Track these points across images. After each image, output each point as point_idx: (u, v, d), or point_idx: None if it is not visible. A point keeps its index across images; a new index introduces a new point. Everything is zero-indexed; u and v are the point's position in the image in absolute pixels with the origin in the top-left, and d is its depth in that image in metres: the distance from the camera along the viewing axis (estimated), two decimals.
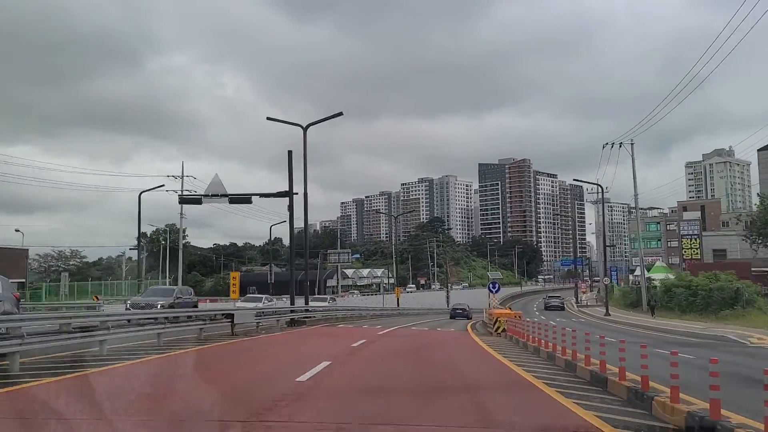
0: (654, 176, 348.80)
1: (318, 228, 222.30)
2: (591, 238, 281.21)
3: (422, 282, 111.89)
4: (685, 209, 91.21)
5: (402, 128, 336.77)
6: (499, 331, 23.12)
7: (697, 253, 69.20)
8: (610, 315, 44.52)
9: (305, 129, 29.72)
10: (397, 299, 62.94)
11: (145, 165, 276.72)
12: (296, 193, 28.60)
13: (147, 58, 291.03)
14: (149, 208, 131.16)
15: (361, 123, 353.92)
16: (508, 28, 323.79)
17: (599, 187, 57.36)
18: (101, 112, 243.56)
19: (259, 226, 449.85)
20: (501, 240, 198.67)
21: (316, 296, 50.24)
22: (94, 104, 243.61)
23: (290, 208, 28.54)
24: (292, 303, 29.61)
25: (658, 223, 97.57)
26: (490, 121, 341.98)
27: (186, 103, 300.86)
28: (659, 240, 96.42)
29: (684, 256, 64.82)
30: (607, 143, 48.14)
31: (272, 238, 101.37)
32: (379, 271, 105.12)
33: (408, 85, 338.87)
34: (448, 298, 73.47)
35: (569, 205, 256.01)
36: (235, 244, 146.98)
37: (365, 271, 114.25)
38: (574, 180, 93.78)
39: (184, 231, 56.02)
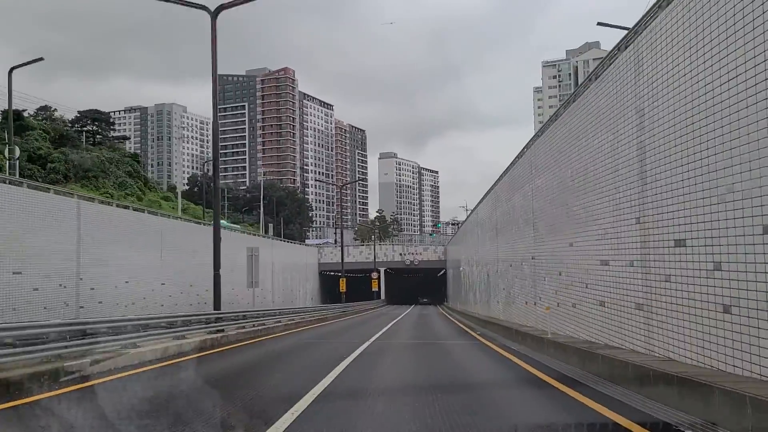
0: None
1: None
2: (373, 199, 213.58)
3: None
4: None
5: (140, 91, 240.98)
6: None
7: None
8: None
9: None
10: None
11: None
12: None
13: None
14: None
15: (86, 80, 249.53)
16: None
17: None
18: None
19: None
20: (248, 184, 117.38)
21: None
22: None
23: None
24: None
25: None
26: None
27: None
28: None
29: None
30: None
31: None
32: None
33: (149, 36, 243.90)
34: None
35: (348, 153, 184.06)
36: None
37: None
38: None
39: None
